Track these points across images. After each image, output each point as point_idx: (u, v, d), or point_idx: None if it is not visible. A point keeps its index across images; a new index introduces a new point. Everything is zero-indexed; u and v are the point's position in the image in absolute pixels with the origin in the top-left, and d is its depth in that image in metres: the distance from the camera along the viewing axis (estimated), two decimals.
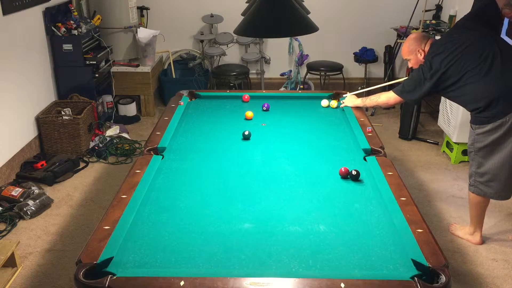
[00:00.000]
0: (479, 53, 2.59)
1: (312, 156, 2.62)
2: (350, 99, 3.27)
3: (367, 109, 5.19)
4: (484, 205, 2.85)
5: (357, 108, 3.22)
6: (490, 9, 2.71)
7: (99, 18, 4.73)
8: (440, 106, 4.33)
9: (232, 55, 5.64)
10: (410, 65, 2.90)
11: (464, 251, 2.90)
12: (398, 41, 5.06)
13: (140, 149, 4.27)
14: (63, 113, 4.14)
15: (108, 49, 4.69)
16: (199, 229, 1.94)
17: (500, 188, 2.73)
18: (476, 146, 2.71)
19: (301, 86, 5.44)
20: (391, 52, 5.26)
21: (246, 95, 3.45)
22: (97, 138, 4.29)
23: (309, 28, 2.32)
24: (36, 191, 3.39)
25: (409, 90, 2.79)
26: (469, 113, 2.74)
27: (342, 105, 3.28)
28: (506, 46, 2.65)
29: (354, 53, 5.38)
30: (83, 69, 4.35)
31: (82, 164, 4.01)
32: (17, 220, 3.18)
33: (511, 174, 2.69)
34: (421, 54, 2.79)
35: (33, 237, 3.03)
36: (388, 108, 5.27)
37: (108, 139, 4.33)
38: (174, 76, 5.45)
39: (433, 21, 5.16)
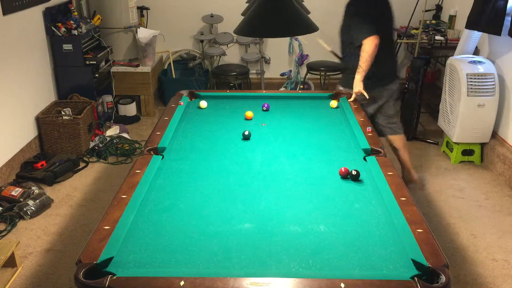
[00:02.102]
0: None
1: (312, 156, 2.62)
2: (356, 83, 3.20)
3: None
4: (405, 143, 3.43)
5: (357, 108, 3.22)
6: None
7: (99, 18, 4.73)
8: (440, 106, 4.33)
9: (232, 55, 5.64)
10: None
11: (464, 251, 2.90)
12: (398, 41, 5.06)
13: (140, 149, 4.27)
14: (63, 113, 4.15)
15: (108, 49, 4.69)
16: (199, 229, 1.94)
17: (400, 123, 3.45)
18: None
19: (301, 86, 5.44)
20: None
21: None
22: (97, 138, 4.29)
23: (309, 28, 2.32)
24: (36, 191, 3.39)
25: (368, 28, 3.08)
26: (397, 89, 3.35)
27: (355, 90, 3.21)
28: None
29: None
30: (83, 69, 4.35)
31: (82, 164, 4.01)
32: (17, 220, 3.18)
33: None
34: None
35: (33, 237, 3.03)
36: None
37: (108, 139, 4.33)
38: (174, 76, 5.45)
39: (433, 21, 5.16)
